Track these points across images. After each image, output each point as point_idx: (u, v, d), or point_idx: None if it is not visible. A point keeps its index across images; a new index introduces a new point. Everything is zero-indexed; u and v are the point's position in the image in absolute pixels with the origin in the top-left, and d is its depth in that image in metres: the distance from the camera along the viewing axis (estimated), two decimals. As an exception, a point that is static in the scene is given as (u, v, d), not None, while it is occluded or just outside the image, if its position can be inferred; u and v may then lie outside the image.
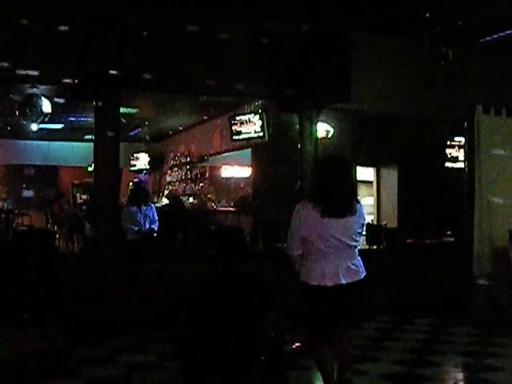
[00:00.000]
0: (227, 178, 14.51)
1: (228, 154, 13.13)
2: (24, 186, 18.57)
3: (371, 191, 12.44)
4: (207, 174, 14.51)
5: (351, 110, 8.25)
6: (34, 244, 7.02)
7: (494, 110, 8.42)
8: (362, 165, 11.86)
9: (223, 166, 14.34)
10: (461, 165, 9.80)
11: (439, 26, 7.55)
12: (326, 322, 4.05)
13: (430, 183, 10.91)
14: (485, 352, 6.00)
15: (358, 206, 4.07)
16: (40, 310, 6.10)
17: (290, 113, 8.01)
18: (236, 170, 13.96)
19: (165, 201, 14.19)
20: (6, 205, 16.46)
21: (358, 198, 4.24)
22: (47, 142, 16.04)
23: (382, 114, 8.70)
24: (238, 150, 12.21)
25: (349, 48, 7.70)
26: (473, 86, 8.44)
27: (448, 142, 11.71)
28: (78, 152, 15.96)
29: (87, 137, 14.02)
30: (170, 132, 15.82)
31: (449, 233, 9.56)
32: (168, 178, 16.53)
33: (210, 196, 14.09)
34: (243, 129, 10.63)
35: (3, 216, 12.68)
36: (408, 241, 8.99)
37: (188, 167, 15.18)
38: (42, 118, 9.37)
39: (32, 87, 8.74)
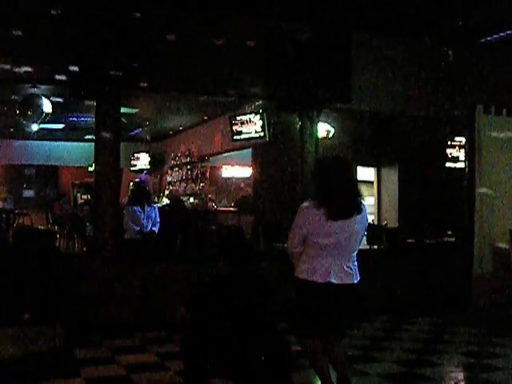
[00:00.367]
0: (228, 178, 14.52)
1: (228, 154, 13.14)
2: (25, 186, 18.58)
3: (372, 191, 12.45)
4: (208, 174, 14.52)
5: (351, 109, 8.25)
6: (35, 244, 7.02)
7: (494, 110, 8.42)
8: (363, 165, 11.87)
9: (224, 166, 14.35)
10: (461, 165, 9.80)
11: (439, 25, 7.56)
12: (313, 318, 4.03)
13: (430, 183, 10.92)
14: (485, 352, 6.01)
15: (362, 206, 4.07)
16: (40, 309, 6.10)
17: (291, 113, 8.01)
18: (236, 170, 13.97)
19: (165, 201, 14.20)
20: (6, 205, 16.46)
21: (362, 196, 4.22)
22: (48, 142, 16.05)
23: (382, 113, 8.71)
24: (238, 150, 12.22)
25: (349, 48, 7.70)
26: (473, 86, 8.44)
27: (448, 142, 11.71)
28: (78, 152, 15.97)
29: (88, 137, 14.03)
30: (171, 132, 15.83)
31: (449, 233, 9.56)
32: (168, 178, 16.54)
33: (210, 196, 14.10)
34: (244, 129, 10.64)
35: (4, 216, 12.69)
36: (408, 241, 8.99)
37: (188, 167, 15.18)
38: (42, 118, 9.37)
39: (32, 87, 8.75)
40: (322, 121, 8.52)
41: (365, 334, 6.74)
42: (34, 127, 10.99)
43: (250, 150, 11.60)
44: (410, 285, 7.94)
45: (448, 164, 11.69)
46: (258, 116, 10.31)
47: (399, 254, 8.35)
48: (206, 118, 13.27)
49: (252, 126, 10.46)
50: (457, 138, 11.39)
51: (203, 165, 14.49)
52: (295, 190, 7.93)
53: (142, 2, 6.71)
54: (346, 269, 3.98)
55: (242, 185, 13.67)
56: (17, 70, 6.35)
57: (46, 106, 9.18)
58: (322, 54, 7.50)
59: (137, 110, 11.63)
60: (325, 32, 7.55)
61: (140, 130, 14.82)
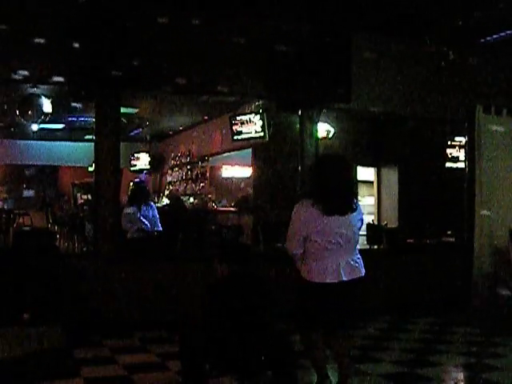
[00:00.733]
0: (228, 178, 14.50)
1: (228, 153, 13.12)
2: (25, 186, 18.59)
3: (372, 191, 12.45)
4: (208, 174, 14.51)
5: (351, 109, 8.25)
6: (35, 244, 7.02)
7: (494, 110, 8.42)
8: (363, 165, 11.87)
9: (224, 166, 14.33)
10: (461, 165, 9.79)
11: (439, 25, 7.56)
12: (324, 318, 4.05)
13: (430, 183, 10.91)
14: (485, 352, 6.01)
15: (358, 204, 4.10)
16: (40, 309, 6.09)
17: (291, 113, 8.01)
18: (236, 170, 13.95)
19: (165, 201, 14.19)
20: (6, 205, 16.48)
21: (357, 196, 4.27)
22: (48, 142, 16.04)
23: (382, 113, 8.70)
24: (238, 150, 12.20)
25: (349, 48, 7.70)
26: (473, 86, 8.44)
27: (448, 142, 11.70)
28: (78, 152, 15.97)
29: (88, 137, 14.03)
30: (171, 132, 15.83)
31: (449, 233, 9.56)
32: (168, 178, 16.53)
33: (210, 196, 14.09)
34: (244, 129, 10.63)
35: (4, 216, 12.70)
36: (408, 241, 8.99)
37: (188, 167, 15.17)
38: (42, 117, 9.37)
39: (32, 87, 8.74)
40: (321, 121, 8.52)
41: (365, 334, 6.74)
42: (34, 127, 11.01)
43: (250, 150, 11.60)
44: (410, 285, 7.94)
45: (448, 164, 11.68)
46: (258, 116, 10.30)
47: (399, 253, 8.34)
48: (206, 117, 13.27)
49: (252, 125, 10.45)
50: (457, 138, 11.38)
51: (203, 165, 14.48)
52: (295, 190, 7.93)
53: (142, 2, 6.71)
54: (353, 263, 4.03)
55: (242, 185, 13.64)
56: (17, 70, 6.35)
57: (46, 106, 9.18)
58: (322, 53, 7.49)
59: (137, 110, 11.63)
60: (325, 32, 7.55)
61: (140, 130, 14.82)
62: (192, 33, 6.97)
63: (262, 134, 10.31)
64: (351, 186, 4.20)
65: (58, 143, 16.29)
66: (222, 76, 7.16)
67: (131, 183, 13.31)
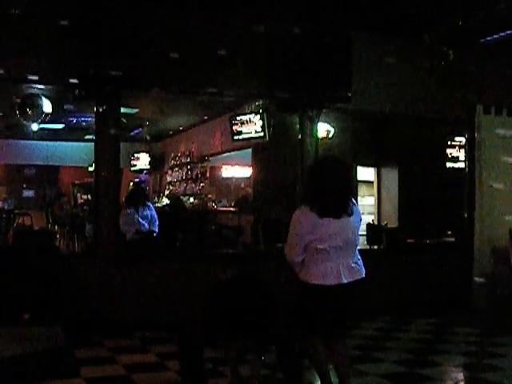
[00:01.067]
0: (228, 178, 14.52)
1: (228, 153, 13.13)
2: (25, 186, 18.59)
3: (372, 191, 12.45)
4: (208, 174, 14.52)
5: (351, 109, 8.24)
6: (35, 244, 7.03)
7: (494, 110, 8.42)
8: (363, 165, 11.87)
9: (224, 166, 14.35)
10: (461, 165, 9.79)
11: (439, 25, 7.55)
12: (324, 321, 4.05)
13: (430, 183, 10.92)
14: (485, 352, 6.01)
15: (354, 207, 4.06)
16: (40, 309, 6.10)
17: (291, 113, 8.01)
18: (236, 170, 13.97)
19: (165, 201, 14.20)
20: (6, 205, 16.47)
21: (355, 198, 4.23)
22: (48, 142, 16.03)
23: (382, 113, 8.70)
24: (238, 150, 12.22)
25: (349, 48, 7.70)
26: (473, 86, 8.44)
27: (448, 142, 11.70)
28: (78, 152, 15.96)
29: (88, 137, 14.02)
30: (171, 132, 15.83)
31: (449, 233, 9.56)
32: (168, 178, 16.54)
33: (210, 196, 14.10)
34: (244, 129, 10.63)
35: (4, 216, 12.70)
36: (408, 241, 8.99)
37: (188, 167, 15.18)
38: (42, 117, 9.37)
39: (32, 87, 8.74)
40: (321, 121, 8.51)
41: (365, 334, 6.74)
42: (34, 127, 10.99)
43: (250, 150, 11.60)
44: (410, 285, 7.94)
45: (448, 164, 11.69)
46: (258, 116, 10.30)
47: (399, 253, 8.35)
48: (205, 117, 13.27)
49: (252, 125, 10.46)
50: (457, 138, 11.38)
51: (203, 165, 14.48)
52: (295, 190, 7.93)
53: (141, 2, 6.71)
54: (354, 265, 4.01)
55: (242, 185, 13.66)
56: (17, 70, 6.35)
57: (46, 106, 9.18)
58: (322, 53, 7.49)
59: (137, 110, 11.63)
60: (324, 32, 7.55)
61: (140, 130, 14.82)
62: (192, 33, 6.96)
63: (261, 134, 10.32)
64: (347, 188, 4.13)
65: (57, 143, 16.28)
66: (221, 76, 7.15)
67: (131, 183, 13.33)
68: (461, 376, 5.54)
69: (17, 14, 6.25)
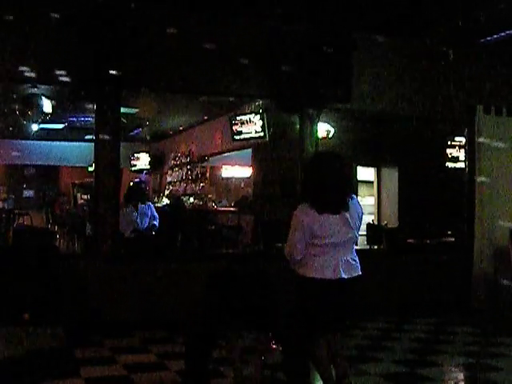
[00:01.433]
0: (228, 178, 14.50)
1: (228, 154, 13.12)
2: (24, 185, 18.63)
3: (372, 191, 12.45)
4: (208, 174, 14.52)
5: (351, 109, 8.24)
6: (35, 244, 7.02)
7: (494, 110, 8.41)
8: (363, 165, 11.86)
9: (224, 166, 14.33)
10: (461, 165, 9.80)
11: (439, 25, 7.55)
12: (320, 316, 4.03)
13: (430, 183, 10.91)
14: (485, 352, 6.01)
15: (352, 201, 4.04)
16: (40, 309, 6.10)
17: (291, 113, 8.01)
18: (236, 170, 13.95)
19: (165, 201, 14.20)
20: (6, 205, 16.48)
21: (354, 194, 4.19)
22: (48, 142, 16.05)
23: (382, 113, 8.70)
24: (238, 150, 12.21)
25: (349, 48, 7.69)
26: (473, 86, 8.44)
27: (448, 142, 11.70)
28: (78, 152, 15.97)
29: (88, 137, 14.02)
30: (171, 132, 15.82)
31: (449, 233, 9.56)
32: (168, 178, 16.54)
33: (210, 196, 14.09)
34: (244, 129, 10.63)
35: (4, 216, 12.70)
36: (408, 241, 8.99)
37: (188, 167, 15.17)
38: (42, 117, 9.38)
39: (32, 87, 8.74)
40: (321, 121, 8.51)
41: (365, 334, 6.74)
42: (34, 127, 11.00)
43: (250, 150, 11.60)
44: (410, 285, 7.93)
45: (448, 164, 11.69)
46: (258, 116, 10.30)
47: (399, 253, 8.34)
48: (205, 117, 13.26)
49: (252, 125, 10.46)
50: (457, 138, 11.39)
51: (203, 165, 14.49)
52: (295, 189, 7.92)
53: (141, 2, 6.71)
54: (352, 261, 4.01)
55: (242, 185, 13.65)
56: (17, 70, 6.35)
57: (46, 106, 9.18)
58: (322, 54, 7.48)
59: (137, 110, 11.63)
60: (325, 32, 7.54)
61: (140, 130, 14.82)
62: (192, 33, 6.97)
63: (261, 134, 10.32)
64: (346, 184, 4.11)
65: (57, 143, 16.29)
66: (221, 76, 7.16)
67: (131, 183, 13.32)
68: (461, 376, 5.55)
69: (17, 14, 6.26)
